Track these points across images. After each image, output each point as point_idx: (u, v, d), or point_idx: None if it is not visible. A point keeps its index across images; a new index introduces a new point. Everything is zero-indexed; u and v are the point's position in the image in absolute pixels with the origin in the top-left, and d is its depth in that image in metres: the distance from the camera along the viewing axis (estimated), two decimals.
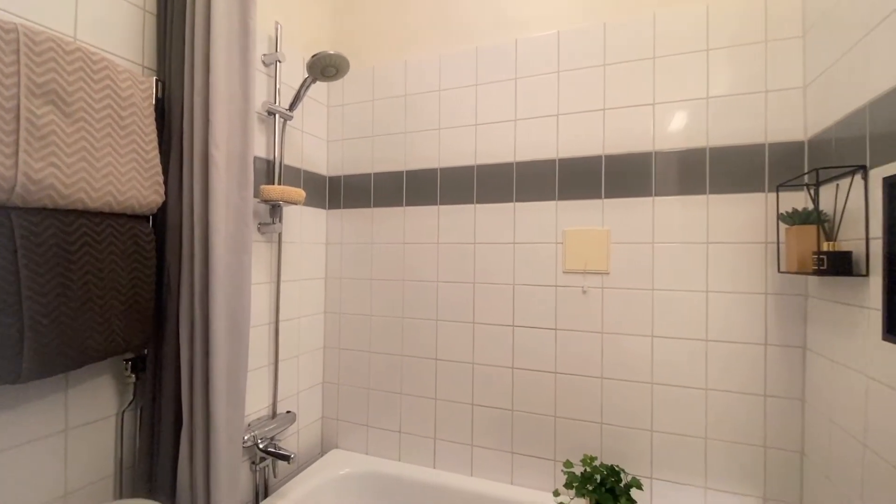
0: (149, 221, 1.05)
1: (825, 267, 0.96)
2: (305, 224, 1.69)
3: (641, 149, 1.36)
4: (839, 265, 0.94)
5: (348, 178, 1.78)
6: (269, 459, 1.45)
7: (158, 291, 1.06)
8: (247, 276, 1.09)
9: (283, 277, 1.55)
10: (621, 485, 1.19)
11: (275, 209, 1.47)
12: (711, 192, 1.30)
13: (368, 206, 1.74)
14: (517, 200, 1.51)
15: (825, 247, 0.99)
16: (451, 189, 1.60)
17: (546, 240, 1.47)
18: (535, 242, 1.49)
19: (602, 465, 1.26)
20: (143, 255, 0.99)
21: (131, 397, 1.07)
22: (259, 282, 1.44)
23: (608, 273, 1.40)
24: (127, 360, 1.05)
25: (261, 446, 1.38)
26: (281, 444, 1.49)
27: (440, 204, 1.62)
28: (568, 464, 1.28)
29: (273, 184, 1.48)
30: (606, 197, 1.41)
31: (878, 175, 0.87)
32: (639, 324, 1.36)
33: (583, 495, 1.20)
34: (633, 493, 1.20)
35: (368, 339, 1.73)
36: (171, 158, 1.07)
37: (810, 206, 1.09)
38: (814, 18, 1.16)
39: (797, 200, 1.18)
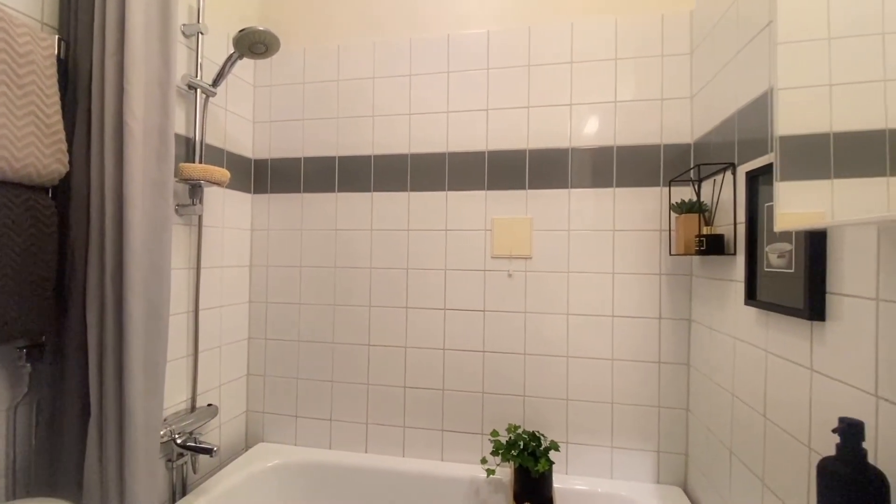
0: (48, 193, 0.95)
1: (704, 248, 1.14)
2: (229, 208, 1.61)
3: (560, 145, 1.50)
4: (714, 246, 1.13)
5: (276, 161, 1.72)
6: (187, 456, 1.36)
7: (61, 271, 0.96)
8: (166, 255, 1.02)
9: (203, 263, 1.47)
10: (541, 448, 1.31)
11: (195, 190, 1.38)
12: (618, 186, 1.47)
13: (298, 191, 1.70)
14: (450, 189, 1.58)
15: (705, 231, 1.18)
16: (386, 176, 1.63)
17: (476, 227, 1.56)
18: (466, 230, 1.57)
19: (525, 431, 1.37)
20: (42, 230, 0.89)
21: (26, 389, 0.95)
22: (176, 267, 1.35)
23: (531, 258, 1.52)
24: (22, 348, 0.93)
25: (178, 441, 1.30)
26: (202, 439, 1.41)
27: (374, 191, 1.64)
28: (494, 433, 1.37)
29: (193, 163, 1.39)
30: (530, 188, 1.52)
31: (743, 171, 1.07)
32: (556, 303, 1.50)
33: (508, 460, 1.30)
34: (552, 455, 1.32)
35: (297, 329, 1.69)
36: (78, 126, 0.97)
37: (694, 198, 1.29)
38: (699, 39, 1.37)
39: (685, 194, 1.38)
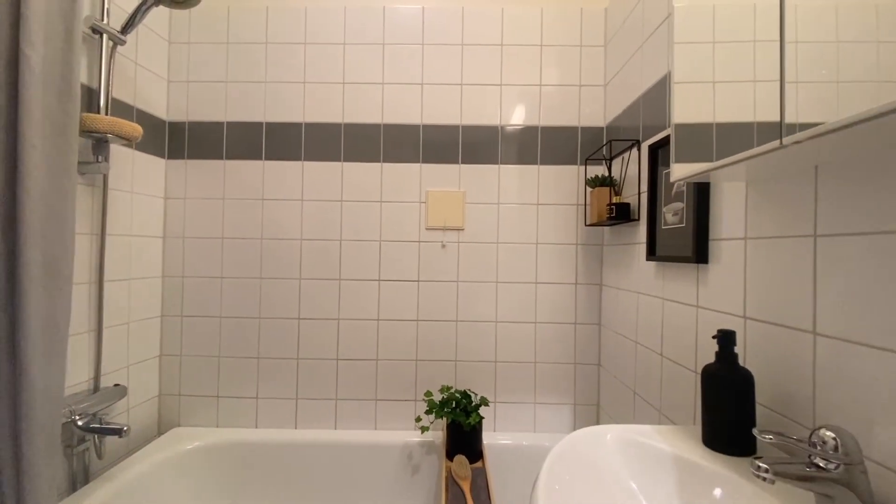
0: None
1: (614, 214, 1.30)
2: (139, 172, 1.46)
3: (491, 122, 1.59)
4: (622, 212, 1.29)
5: (195, 125, 1.60)
6: (89, 441, 1.23)
7: None
8: (69, 206, 0.92)
9: (109, 230, 1.33)
10: (472, 405, 1.38)
11: (100, 146, 1.24)
12: (542, 164, 1.60)
13: (220, 157, 1.60)
14: (384, 161, 1.59)
15: (614, 200, 1.34)
16: (318, 146, 1.59)
17: (411, 199, 1.59)
18: (402, 201, 1.59)
19: (457, 391, 1.44)
20: None
21: None
22: (77, 231, 1.20)
23: (463, 229, 1.59)
24: None
25: (80, 423, 1.16)
26: (108, 420, 1.27)
27: (305, 160, 1.59)
28: (428, 393, 1.43)
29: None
30: (463, 162, 1.59)
31: (646, 145, 1.23)
32: (487, 272, 1.59)
33: (441, 417, 1.36)
34: (482, 410, 1.41)
35: (219, 304, 1.59)
36: None
37: (606, 174, 1.45)
38: (611, 33, 1.53)
39: (599, 171, 1.54)
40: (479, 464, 1.33)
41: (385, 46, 1.59)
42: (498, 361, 1.59)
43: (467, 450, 1.35)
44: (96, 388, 1.28)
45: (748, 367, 0.78)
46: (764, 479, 0.49)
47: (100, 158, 1.24)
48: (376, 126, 1.59)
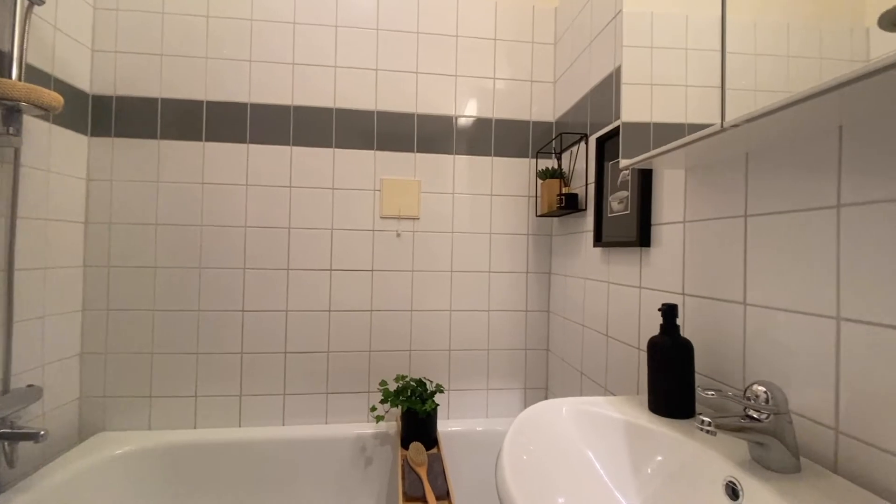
0: None
1: (564, 204, 1.36)
2: (57, 149, 1.31)
3: (447, 112, 1.60)
4: (571, 202, 1.35)
5: (124, 100, 1.46)
6: None
7: None
8: None
9: (20, 212, 1.18)
10: (428, 392, 1.39)
11: (12, 115, 1.09)
12: (495, 155, 1.63)
13: (154, 137, 1.47)
14: (337, 147, 1.55)
15: (564, 191, 1.40)
16: (265, 128, 1.51)
17: (365, 187, 1.56)
18: (355, 189, 1.56)
19: (412, 379, 1.44)
20: None
21: None
22: None
23: (418, 218, 1.59)
24: None
25: None
26: (21, 424, 1.13)
27: (250, 143, 1.51)
28: (383, 382, 1.41)
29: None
30: (418, 151, 1.59)
31: (594, 138, 1.29)
32: (441, 262, 1.60)
33: (396, 405, 1.35)
34: (437, 398, 1.41)
35: (152, 296, 1.47)
36: None
37: (556, 166, 1.51)
38: (560, 32, 1.60)
39: (549, 164, 1.60)
40: (434, 450, 1.33)
41: (338, 29, 1.54)
42: (452, 350, 1.60)
43: (423, 438, 1.35)
44: (6, 390, 1.13)
45: (687, 336, 0.85)
46: (707, 431, 0.54)
47: (11, 130, 1.10)
48: (328, 110, 1.54)
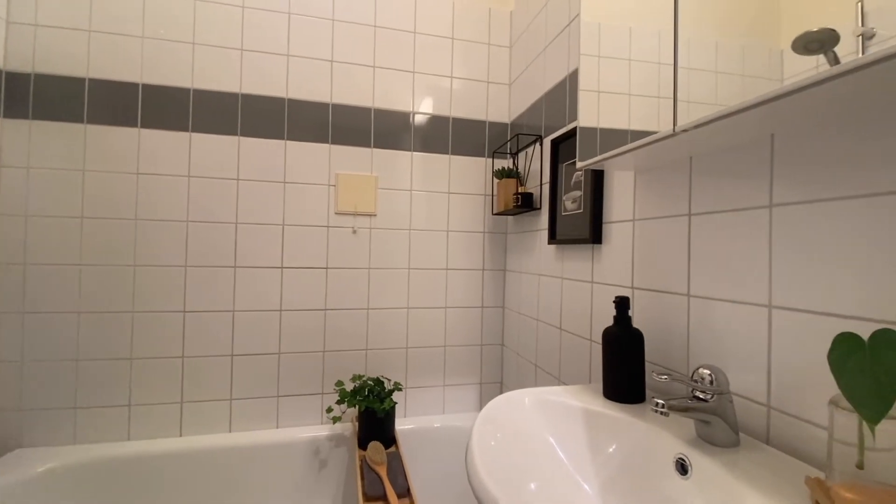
0: None
1: (520, 203, 1.40)
2: None
3: (404, 108, 1.59)
4: (527, 201, 1.40)
5: (44, 79, 1.30)
6: None
7: None
8: None
9: None
10: (386, 390, 1.37)
11: None
12: (453, 154, 1.65)
13: (80, 120, 1.33)
14: (289, 139, 1.48)
15: (520, 190, 1.44)
16: (209, 116, 1.42)
17: (319, 181, 1.51)
18: (309, 183, 1.50)
19: (370, 378, 1.41)
20: None
21: None
22: None
23: (375, 215, 1.57)
24: None
25: None
26: None
27: (193, 131, 1.41)
28: (339, 383, 1.38)
29: None
30: (375, 147, 1.56)
31: (548, 140, 1.34)
32: (399, 259, 1.59)
33: (353, 405, 1.32)
34: (395, 395, 1.40)
35: (76, 296, 1.33)
36: None
37: (512, 166, 1.55)
38: (516, 36, 1.64)
39: (505, 163, 1.64)
40: (393, 449, 1.32)
41: (291, 16, 1.48)
42: (410, 347, 1.60)
43: (381, 437, 1.33)
44: None
45: (638, 326, 0.91)
46: (661, 412, 0.58)
47: None
48: (280, 100, 1.47)
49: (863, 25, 0.39)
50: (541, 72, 1.42)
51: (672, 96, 0.64)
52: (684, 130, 0.62)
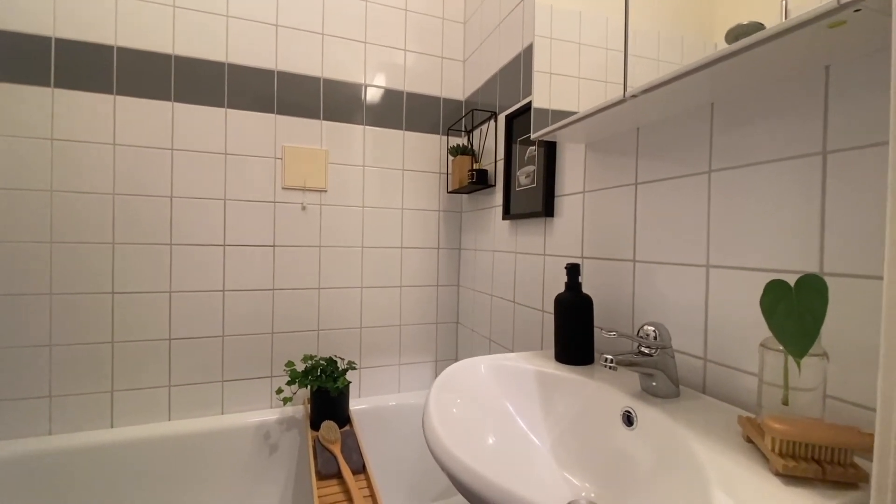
0: None
1: (475, 179, 1.40)
2: None
3: (356, 80, 1.53)
4: (481, 177, 1.40)
5: None
6: None
7: None
8: None
9: None
10: (340, 370, 1.34)
11: None
12: (407, 129, 1.61)
13: None
14: (230, 107, 1.38)
15: (475, 167, 1.44)
16: (137, 78, 1.29)
17: (265, 154, 1.43)
18: (252, 155, 1.41)
19: (322, 358, 1.37)
20: None
21: None
22: None
23: (326, 191, 1.51)
24: None
25: None
26: None
27: (117, 94, 1.28)
28: (290, 363, 1.32)
29: None
30: (325, 119, 1.50)
31: (503, 116, 1.35)
32: (352, 237, 1.54)
33: (305, 385, 1.28)
34: (349, 374, 1.37)
35: None
36: None
37: (467, 143, 1.55)
38: (470, 12, 1.63)
39: (460, 140, 1.64)
40: (347, 428, 1.30)
41: None
42: (364, 327, 1.57)
43: (334, 417, 1.30)
44: None
45: (587, 291, 0.94)
46: (610, 367, 0.61)
47: None
48: (219, 64, 1.37)
49: (786, 19, 0.43)
50: (495, 49, 1.42)
51: (622, 82, 0.66)
52: (633, 96, 0.64)
